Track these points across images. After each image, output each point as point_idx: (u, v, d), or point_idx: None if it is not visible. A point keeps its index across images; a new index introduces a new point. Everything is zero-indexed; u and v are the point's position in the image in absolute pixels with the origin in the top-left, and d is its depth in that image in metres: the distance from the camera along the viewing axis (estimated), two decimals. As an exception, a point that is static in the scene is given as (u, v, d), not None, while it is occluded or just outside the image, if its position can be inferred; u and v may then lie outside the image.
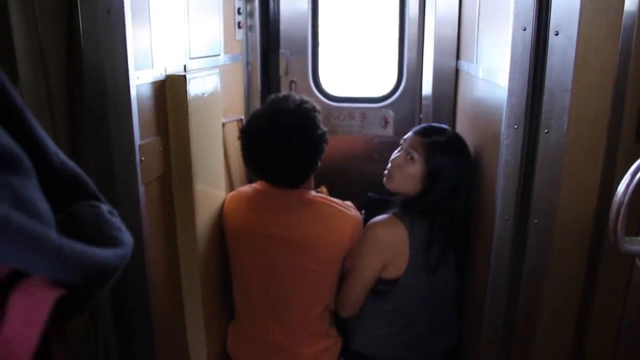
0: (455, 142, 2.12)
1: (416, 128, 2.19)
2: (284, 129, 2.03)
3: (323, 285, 2.23)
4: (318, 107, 2.15)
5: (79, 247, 0.58)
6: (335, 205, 2.17)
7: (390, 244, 2.09)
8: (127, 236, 0.70)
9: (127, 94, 1.48)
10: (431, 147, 2.08)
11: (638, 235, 0.91)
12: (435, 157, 2.07)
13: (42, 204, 0.57)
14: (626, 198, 0.84)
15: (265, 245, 2.18)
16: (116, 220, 0.71)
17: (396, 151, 2.20)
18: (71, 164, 0.71)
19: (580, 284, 1.40)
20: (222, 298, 2.38)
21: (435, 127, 2.19)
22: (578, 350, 1.44)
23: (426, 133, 2.13)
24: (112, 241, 0.67)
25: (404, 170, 2.11)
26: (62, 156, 0.69)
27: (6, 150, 0.53)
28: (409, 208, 2.11)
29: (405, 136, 2.19)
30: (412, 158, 2.10)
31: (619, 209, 0.85)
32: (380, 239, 2.10)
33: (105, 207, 0.71)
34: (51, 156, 0.66)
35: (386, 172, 2.19)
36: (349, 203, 2.24)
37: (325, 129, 2.13)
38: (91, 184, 0.73)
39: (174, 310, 1.98)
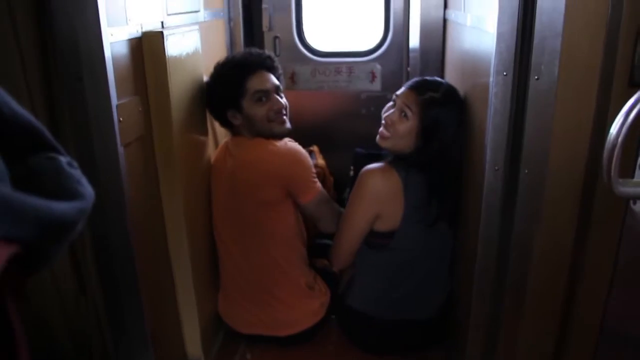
0: (451, 96, 2.06)
1: (410, 83, 2.13)
2: None
3: (279, 226, 2.26)
4: (233, 60, 2.25)
5: (33, 200, 0.55)
6: (270, 144, 2.19)
7: (384, 193, 2.07)
8: (87, 189, 0.67)
9: (100, 52, 1.42)
10: (426, 103, 2.02)
11: (633, 178, 0.87)
12: (431, 114, 2.02)
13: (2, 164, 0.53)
14: (620, 138, 0.80)
15: (226, 195, 2.24)
16: (76, 172, 0.68)
17: (388, 106, 2.15)
18: (24, 113, 0.66)
19: (572, 233, 1.38)
20: (212, 259, 2.36)
21: (429, 81, 2.12)
22: (571, 299, 1.43)
23: (421, 89, 2.06)
24: (71, 194, 0.64)
25: (397, 128, 2.06)
26: (15, 106, 0.65)
27: None
28: (403, 162, 2.08)
29: (399, 91, 2.12)
30: (405, 116, 2.04)
31: (612, 149, 0.81)
32: (373, 186, 2.08)
33: (64, 159, 0.68)
34: (1, 107, 0.62)
35: (381, 129, 2.13)
36: (287, 139, 2.26)
37: (220, 87, 2.20)
38: (48, 134, 0.68)
39: (163, 274, 1.96)
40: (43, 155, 0.66)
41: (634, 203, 0.90)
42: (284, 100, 2.27)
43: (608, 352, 1.11)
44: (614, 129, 0.82)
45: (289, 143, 2.24)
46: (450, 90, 2.08)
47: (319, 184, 2.26)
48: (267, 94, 2.20)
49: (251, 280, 2.29)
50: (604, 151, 0.83)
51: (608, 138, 0.82)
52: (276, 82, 2.26)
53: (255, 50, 2.32)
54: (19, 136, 0.64)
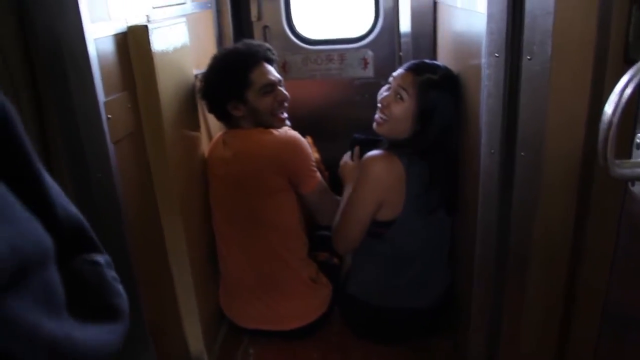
0: (449, 80, 2.02)
1: (407, 64, 2.09)
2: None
3: (282, 216, 2.25)
4: (236, 52, 2.24)
5: (95, 340, 0.55)
6: (269, 133, 2.18)
7: (388, 180, 2.03)
8: (124, 302, 0.66)
9: (84, 50, 1.39)
10: (423, 85, 1.98)
11: (630, 158, 0.85)
12: (428, 96, 1.98)
13: (59, 285, 0.52)
14: (615, 118, 0.77)
15: (224, 187, 2.23)
16: (114, 278, 0.67)
17: (384, 89, 2.11)
18: (74, 211, 0.64)
19: (571, 215, 1.36)
20: (211, 254, 2.35)
21: (428, 63, 2.09)
22: (572, 283, 1.41)
23: (418, 70, 2.02)
24: (114, 312, 0.63)
25: (392, 110, 2.03)
26: (66, 204, 0.62)
27: (39, 248, 0.47)
28: (403, 148, 2.05)
29: (395, 73, 2.09)
30: (401, 98, 2.01)
31: (607, 130, 0.78)
32: (377, 173, 2.04)
33: (103, 260, 0.67)
34: (57, 210, 0.59)
35: (376, 115, 2.10)
36: (286, 128, 2.27)
37: (227, 76, 2.18)
38: (91, 231, 0.67)
39: (160, 271, 1.94)
40: (87, 260, 0.65)
41: (632, 185, 0.87)
42: (286, 92, 2.28)
43: (611, 334, 1.10)
44: (608, 108, 0.79)
45: (289, 131, 2.24)
46: (448, 73, 2.04)
47: (318, 174, 2.26)
48: (273, 86, 2.22)
49: (253, 273, 2.27)
50: (599, 128, 0.81)
51: (602, 118, 0.79)
52: (278, 75, 2.28)
53: (255, 41, 2.32)
54: (68, 237, 0.62)
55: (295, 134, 2.22)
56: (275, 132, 2.18)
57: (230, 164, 2.18)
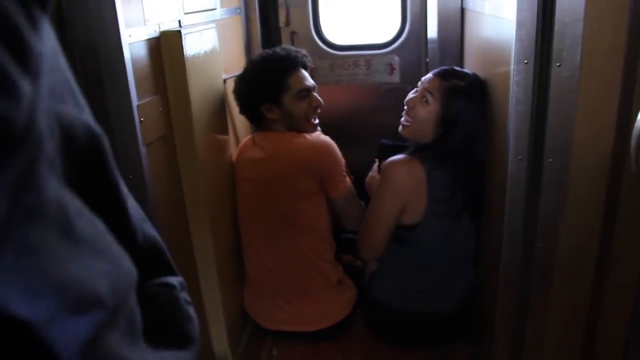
0: (477, 87, 2.03)
1: (437, 70, 2.12)
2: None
3: (312, 218, 2.27)
4: (276, 56, 2.26)
5: None
6: (302, 136, 2.21)
7: (409, 184, 2.05)
8: (196, 328, 0.67)
9: (120, 54, 1.43)
10: (450, 90, 2.01)
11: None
12: (453, 101, 2.00)
13: (138, 312, 0.52)
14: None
15: (254, 189, 2.26)
16: (186, 301, 0.68)
17: (411, 92, 2.14)
18: (151, 234, 0.65)
19: (599, 222, 1.35)
20: (237, 256, 2.37)
21: (457, 70, 2.11)
22: (598, 291, 1.41)
23: (446, 76, 2.05)
24: (185, 338, 0.64)
25: (417, 112, 2.05)
26: (146, 228, 0.64)
27: (129, 283, 0.48)
28: (425, 153, 2.06)
29: (424, 77, 2.12)
30: (426, 101, 2.03)
31: (640, 137, 0.79)
32: (398, 178, 2.07)
33: (177, 282, 0.67)
34: (138, 237, 0.60)
35: (402, 119, 2.13)
36: (318, 132, 2.30)
37: (271, 83, 2.22)
38: (166, 252, 0.68)
39: (187, 272, 1.96)
40: (161, 283, 0.65)
41: (663, 190, 0.87)
42: (320, 99, 2.32)
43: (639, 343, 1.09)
44: (641, 114, 0.80)
45: (321, 135, 2.28)
46: (476, 81, 2.05)
47: (348, 179, 2.29)
48: (308, 92, 2.27)
49: (280, 275, 2.30)
50: (631, 139, 0.81)
51: (635, 125, 0.80)
52: (313, 81, 2.32)
53: (293, 47, 2.37)
54: (146, 262, 0.61)
55: (327, 138, 2.26)
56: (307, 135, 2.22)
57: (260, 165, 2.21)
